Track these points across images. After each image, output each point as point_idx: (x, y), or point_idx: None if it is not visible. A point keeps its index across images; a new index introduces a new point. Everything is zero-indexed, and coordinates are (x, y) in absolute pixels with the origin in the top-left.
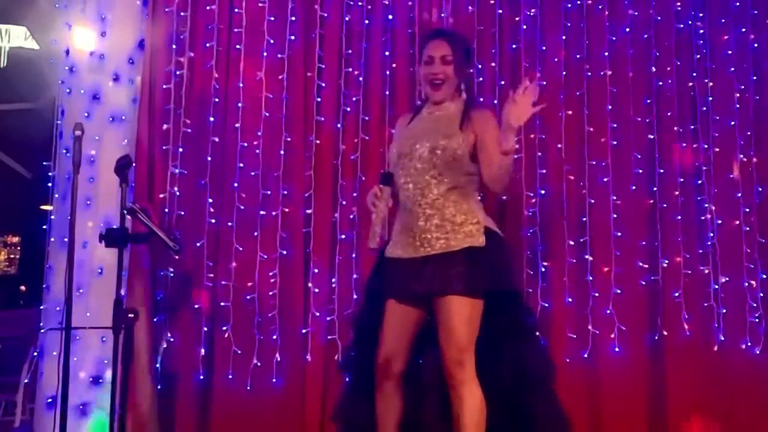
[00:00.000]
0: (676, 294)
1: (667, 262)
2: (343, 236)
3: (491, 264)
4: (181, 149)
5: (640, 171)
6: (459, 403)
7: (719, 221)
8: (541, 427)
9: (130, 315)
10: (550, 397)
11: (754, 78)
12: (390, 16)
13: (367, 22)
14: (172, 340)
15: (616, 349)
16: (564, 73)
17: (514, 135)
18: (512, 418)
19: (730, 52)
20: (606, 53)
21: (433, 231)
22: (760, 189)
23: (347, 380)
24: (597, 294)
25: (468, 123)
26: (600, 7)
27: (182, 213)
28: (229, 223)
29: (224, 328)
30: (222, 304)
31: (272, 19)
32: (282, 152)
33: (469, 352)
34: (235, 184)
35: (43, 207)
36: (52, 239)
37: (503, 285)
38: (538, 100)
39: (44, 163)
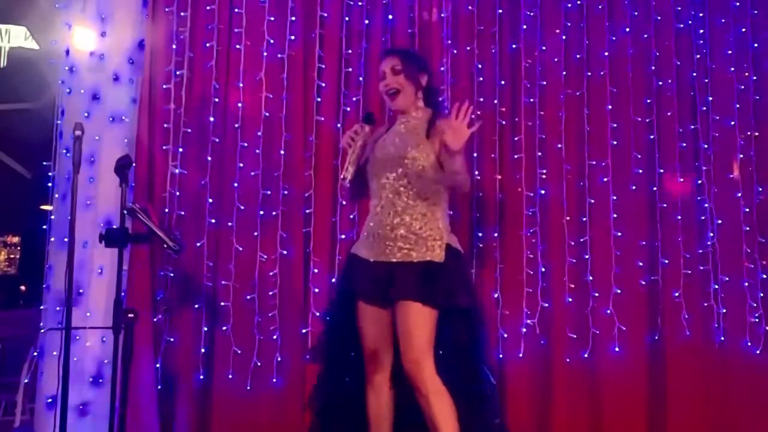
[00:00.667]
0: (676, 294)
1: (667, 262)
2: (343, 236)
3: (448, 280)
4: (181, 149)
5: (640, 171)
6: (427, 404)
7: (719, 221)
8: None
9: (130, 315)
10: (495, 415)
11: (754, 78)
12: (390, 16)
13: (367, 22)
14: (172, 340)
15: (616, 349)
16: (564, 73)
17: (458, 157)
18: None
19: (730, 52)
20: (606, 53)
21: (397, 240)
22: (760, 189)
23: (321, 368)
24: (597, 294)
25: (433, 131)
26: (600, 7)
27: (182, 213)
28: (229, 223)
29: (224, 328)
30: (222, 304)
31: (272, 19)
32: (282, 152)
33: (428, 354)
34: (235, 184)
35: (43, 207)
36: (52, 239)
37: (457, 301)
38: (472, 121)
39: (44, 163)
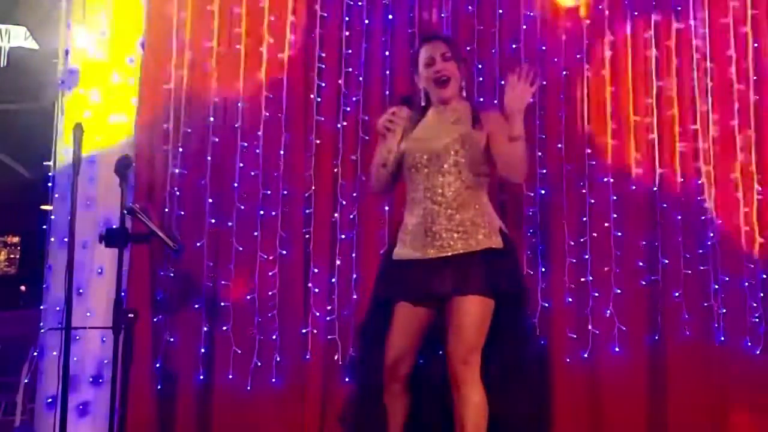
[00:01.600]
0: (676, 294)
1: (667, 262)
2: (343, 236)
3: (509, 266)
4: (181, 149)
5: (640, 171)
6: (462, 403)
7: (719, 221)
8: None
9: (130, 315)
10: (544, 396)
11: (754, 78)
12: (390, 16)
13: (367, 22)
14: (172, 340)
15: (616, 349)
16: (564, 73)
17: (520, 119)
18: (505, 418)
19: (730, 52)
20: (606, 53)
21: (452, 231)
22: (760, 189)
23: (353, 385)
24: (597, 294)
25: (478, 123)
26: (600, 7)
27: (182, 213)
28: (229, 223)
29: (224, 328)
30: (222, 304)
31: (272, 19)
32: (282, 152)
33: (476, 353)
34: (235, 184)
35: (43, 207)
36: (52, 239)
37: (517, 287)
38: (534, 81)
39: (44, 163)
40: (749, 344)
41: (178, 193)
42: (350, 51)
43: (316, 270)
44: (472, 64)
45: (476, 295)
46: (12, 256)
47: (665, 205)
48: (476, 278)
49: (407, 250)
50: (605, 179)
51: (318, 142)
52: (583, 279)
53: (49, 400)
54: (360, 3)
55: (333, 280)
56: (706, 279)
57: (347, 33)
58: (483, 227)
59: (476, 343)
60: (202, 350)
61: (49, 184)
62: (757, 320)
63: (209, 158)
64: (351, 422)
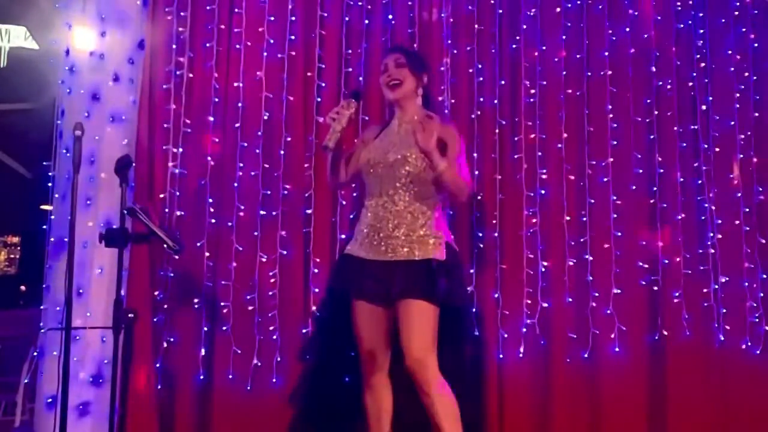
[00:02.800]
0: (676, 294)
1: (667, 262)
2: (343, 236)
3: (450, 278)
4: (181, 149)
5: (640, 171)
6: (431, 403)
7: (719, 221)
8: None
9: (130, 315)
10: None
11: (754, 78)
12: (390, 16)
13: (367, 22)
14: (172, 340)
15: (616, 349)
16: (564, 73)
17: (434, 156)
18: None
19: (730, 52)
20: (606, 53)
21: (400, 238)
22: (760, 189)
23: (308, 365)
24: (597, 294)
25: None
26: (600, 7)
27: (182, 213)
28: (229, 223)
29: (224, 328)
30: (222, 304)
31: (272, 19)
32: (282, 152)
33: (431, 352)
34: (235, 184)
35: (43, 207)
36: (52, 239)
37: (457, 299)
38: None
39: (44, 163)
40: (749, 344)
41: (178, 193)
42: (350, 51)
43: (316, 270)
44: (437, 78)
45: (420, 300)
46: (12, 256)
47: (665, 205)
48: (418, 285)
49: (359, 249)
50: (605, 179)
51: (318, 142)
52: (583, 279)
53: (49, 400)
54: (360, 3)
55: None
56: (706, 279)
57: (347, 33)
58: (429, 238)
59: (428, 343)
60: (202, 350)
61: (49, 184)
62: (757, 320)
63: (209, 158)
64: (304, 403)
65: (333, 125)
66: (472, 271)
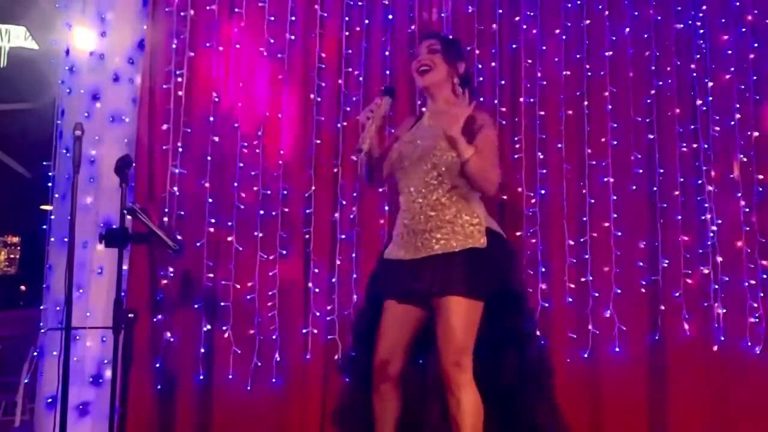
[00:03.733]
0: (676, 294)
1: (667, 262)
2: (343, 236)
3: (492, 265)
4: (181, 149)
5: (640, 171)
6: (456, 406)
7: (719, 221)
8: (539, 430)
9: (130, 315)
10: (549, 401)
11: (754, 78)
12: (390, 16)
13: (367, 22)
14: (171, 340)
15: (616, 349)
16: (564, 73)
17: (459, 142)
18: (509, 422)
19: (730, 52)
20: (606, 53)
21: (433, 232)
22: (760, 189)
23: (347, 382)
24: (597, 294)
25: (469, 129)
26: (600, 7)
27: (182, 213)
28: (229, 223)
29: (224, 328)
30: (222, 304)
31: (272, 19)
32: (282, 152)
33: (467, 354)
34: (235, 184)
35: (43, 207)
36: (52, 239)
37: (504, 287)
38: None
39: (44, 163)
40: (749, 344)
41: (178, 193)
42: (350, 51)
43: (316, 270)
44: (472, 66)
45: (459, 296)
46: (12, 256)
47: (665, 205)
48: (457, 279)
49: (396, 250)
50: (605, 179)
51: (318, 142)
52: (583, 279)
53: (49, 400)
54: (360, 3)
55: (333, 280)
56: (706, 279)
57: (347, 33)
58: (465, 227)
59: (465, 344)
60: (202, 350)
61: (49, 184)
62: (757, 320)
63: (209, 158)
64: (345, 422)
65: (368, 126)
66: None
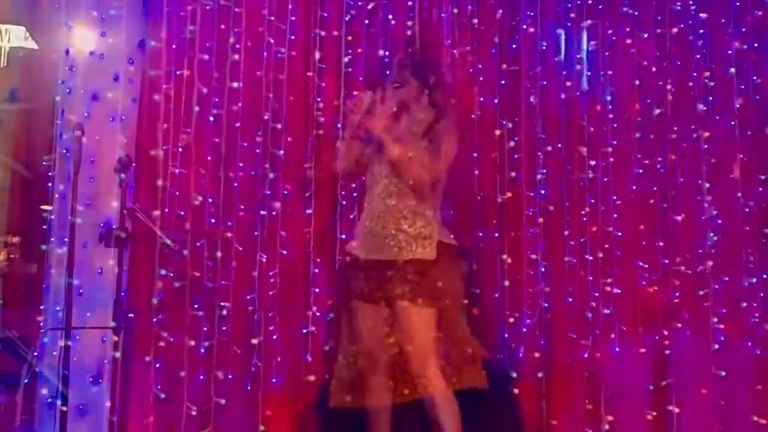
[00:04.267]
0: (676, 294)
1: (667, 262)
2: (343, 236)
3: (437, 279)
4: (181, 149)
5: (640, 171)
6: (431, 404)
7: (719, 221)
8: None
9: (130, 315)
10: (503, 403)
11: (754, 78)
12: (390, 16)
13: (367, 22)
14: (171, 340)
15: (616, 349)
16: (564, 73)
17: (386, 144)
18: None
19: (730, 52)
20: (606, 53)
21: (388, 238)
22: (761, 189)
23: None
24: (597, 294)
25: (430, 136)
26: (600, 7)
27: (182, 213)
28: (229, 223)
29: (224, 328)
30: (222, 304)
31: (272, 19)
32: (282, 152)
33: (431, 352)
34: (235, 184)
35: (43, 207)
36: (52, 239)
37: (448, 299)
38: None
39: (44, 163)
40: (749, 344)
41: (178, 193)
42: (350, 51)
43: (316, 270)
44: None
45: (411, 304)
46: (12, 256)
47: (665, 205)
48: (408, 288)
49: (357, 247)
50: (605, 179)
51: (318, 142)
52: (583, 279)
53: (49, 400)
54: (360, 3)
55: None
56: (706, 279)
57: (347, 33)
58: (418, 238)
59: (425, 344)
60: (202, 350)
61: (49, 184)
62: (757, 320)
63: (209, 158)
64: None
65: (351, 117)
66: (474, 267)
